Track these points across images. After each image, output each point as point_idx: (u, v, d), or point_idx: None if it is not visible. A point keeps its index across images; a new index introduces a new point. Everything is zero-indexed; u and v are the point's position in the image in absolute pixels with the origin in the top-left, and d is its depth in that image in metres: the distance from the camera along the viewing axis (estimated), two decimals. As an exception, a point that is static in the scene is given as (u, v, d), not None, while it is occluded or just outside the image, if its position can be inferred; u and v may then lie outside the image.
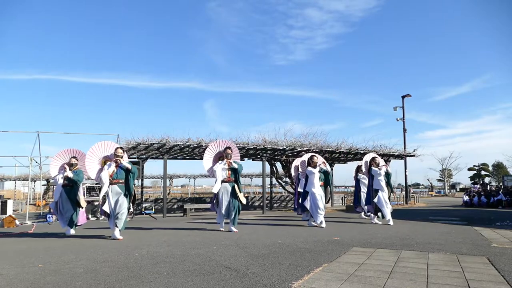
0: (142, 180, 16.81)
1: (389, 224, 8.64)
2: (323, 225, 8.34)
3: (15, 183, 28.97)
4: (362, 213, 10.79)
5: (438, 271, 3.77)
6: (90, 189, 12.88)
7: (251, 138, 14.27)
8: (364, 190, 10.47)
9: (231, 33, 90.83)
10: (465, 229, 7.74)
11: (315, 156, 9.00)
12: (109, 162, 6.94)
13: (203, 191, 46.03)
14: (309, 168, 8.76)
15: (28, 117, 77.57)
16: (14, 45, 68.96)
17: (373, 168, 9.14)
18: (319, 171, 8.75)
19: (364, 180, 10.42)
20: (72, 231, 7.55)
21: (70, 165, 7.65)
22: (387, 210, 8.84)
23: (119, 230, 6.64)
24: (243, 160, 18.12)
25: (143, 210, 14.51)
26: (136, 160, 13.92)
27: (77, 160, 7.76)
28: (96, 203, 12.93)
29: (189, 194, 32.91)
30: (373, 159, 9.35)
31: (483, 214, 12.37)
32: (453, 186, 54.32)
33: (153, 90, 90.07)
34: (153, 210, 14.95)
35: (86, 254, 4.99)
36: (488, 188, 22.18)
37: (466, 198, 19.30)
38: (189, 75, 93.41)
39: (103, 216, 8.06)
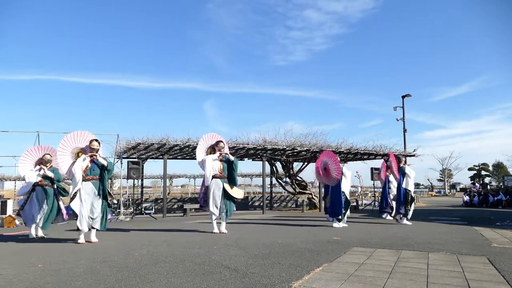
0: (142, 180, 16.81)
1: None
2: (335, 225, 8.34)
3: (15, 183, 28.93)
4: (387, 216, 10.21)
5: (438, 271, 3.77)
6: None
7: (251, 138, 14.26)
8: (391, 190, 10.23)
9: (230, 34, 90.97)
10: (465, 229, 7.74)
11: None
12: (83, 155, 6.18)
13: (203, 191, 45.78)
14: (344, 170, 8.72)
15: (28, 117, 77.64)
16: (14, 45, 69.06)
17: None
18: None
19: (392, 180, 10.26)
20: (41, 233, 6.99)
21: (46, 162, 7.12)
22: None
23: (95, 232, 6.16)
24: (243, 160, 18.15)
25: (143, 210, 14.51)
26: (136, 160, 13.92)
27: (51, 156, 7.24)
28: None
29: (189, 194, 32.87)
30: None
31: (483, 214, 12.37)
32: (453, 186, 54.31)
33: (153, 90, 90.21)
34: (153, 210, 14.98)
35: (86, 254, 4.98)
36: (488, 188, 22.19)
37: (466, 198, 19.31)
38: (189, 75, 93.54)
39: (66, 217, 6.77)
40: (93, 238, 6.13)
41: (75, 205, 5.93)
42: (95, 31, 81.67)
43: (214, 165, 7.28)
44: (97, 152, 6.21)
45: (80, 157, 6.21)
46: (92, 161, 6.16)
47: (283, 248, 5.30)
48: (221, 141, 7.57)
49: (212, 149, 7.57)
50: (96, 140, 6.29)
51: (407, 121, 22.80)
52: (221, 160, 7.36)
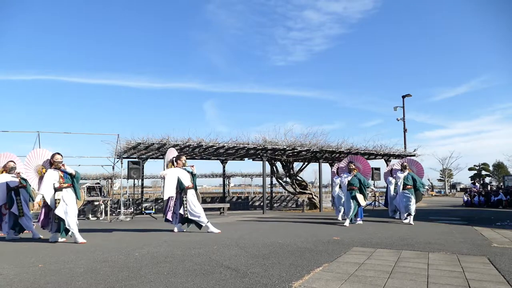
0: (142, 180, 16.81)
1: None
2: (346, 223, 8.65)
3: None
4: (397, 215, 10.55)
5: (438, 271, 3.77)
6: (90, 189, 12.88)
7: (251, 138, 14.30)
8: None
9: (230, 34, 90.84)
10: (465, 229, 7.73)
11: (352, 163, 9.29)
12: (50, 169, 6.46)
13: (203, 191, 46.03)
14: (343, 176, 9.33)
15: (28, 117, 77.62)
16: (14, 45, 68.97)
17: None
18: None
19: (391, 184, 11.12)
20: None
21: (10, 169, 7.16)
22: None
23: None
24: (243, 160, 18.16)
25: (143, 210, 14.52)
26: (136, 160, 13.92)
27: (14, 163, 7.27)
28: (96, 203, 12.94)
29: (189, 194, 32.83)
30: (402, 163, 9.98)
31: (483, 214, 12.36)
32: (453, 186, 54.21)
33: (153, 90, 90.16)
34: (153, 210, 14.98)
35: (86, 254, 4.99)
36: (488, 188, 22.18)
37: (466, 198, 19.31)
38: (189, 75, 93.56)
39: (40, 224, 6.68)
40: (81, 239, 6.16)
41: (59, 211, 6.17)
42: (95, 31, 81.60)
43: (186, 177, 7.58)
44: (62, 163, 6.52)
45: (47, 171, 6.46)
46: (62, 171, 6.48)
47: (283, 248, 5.31)
48: (183, 155, 8.00)
49: (172, 163, 7.76)
50: (59, 153, 6.59)
51: (407, 121, 22.84)
52: (189, 172, 7.71)
